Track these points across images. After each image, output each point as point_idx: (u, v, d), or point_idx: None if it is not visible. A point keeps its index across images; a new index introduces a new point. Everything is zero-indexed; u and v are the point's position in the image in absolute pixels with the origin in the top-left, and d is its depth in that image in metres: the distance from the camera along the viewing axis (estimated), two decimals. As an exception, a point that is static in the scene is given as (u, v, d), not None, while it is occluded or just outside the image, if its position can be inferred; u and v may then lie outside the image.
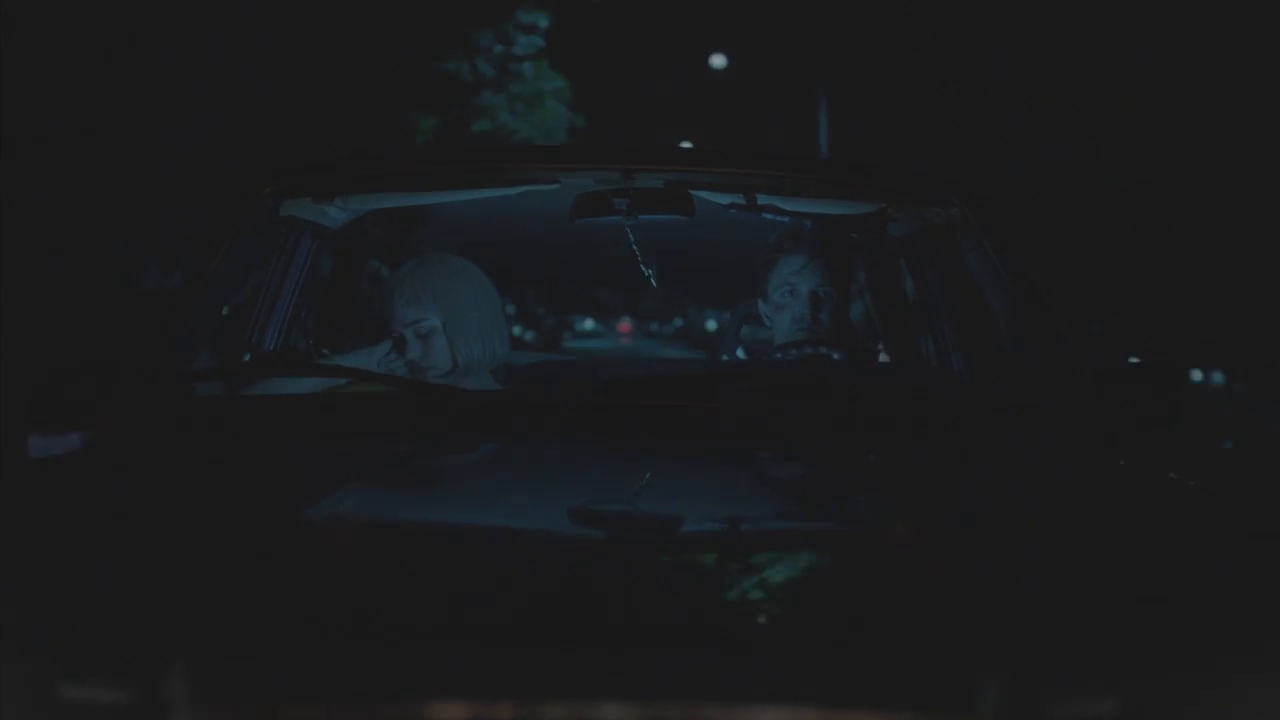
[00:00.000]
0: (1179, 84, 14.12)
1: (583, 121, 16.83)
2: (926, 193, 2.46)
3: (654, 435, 1.91)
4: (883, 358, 2.79)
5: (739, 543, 1.48)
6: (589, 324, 36.37)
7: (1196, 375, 15.78)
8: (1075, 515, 1.66)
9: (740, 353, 2.81)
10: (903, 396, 2.16)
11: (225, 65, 11.15)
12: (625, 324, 39.50)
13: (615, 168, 2.39)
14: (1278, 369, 14.66)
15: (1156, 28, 14.05)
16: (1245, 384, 16.01)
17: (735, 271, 3.57)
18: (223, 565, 1.28)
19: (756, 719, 1.03)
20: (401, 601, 1.18)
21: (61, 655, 1.09)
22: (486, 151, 2.46)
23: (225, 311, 2.59)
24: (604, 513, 1.56)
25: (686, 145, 23.30)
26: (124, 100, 10.67)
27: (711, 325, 27.26)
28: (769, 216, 2.59)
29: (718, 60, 24.60)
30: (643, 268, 2.53)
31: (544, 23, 15.11)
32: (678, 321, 38.47)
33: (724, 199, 2.51)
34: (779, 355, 2.69)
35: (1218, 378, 16.77)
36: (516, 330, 19.78)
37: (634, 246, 2.50)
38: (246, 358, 2.62)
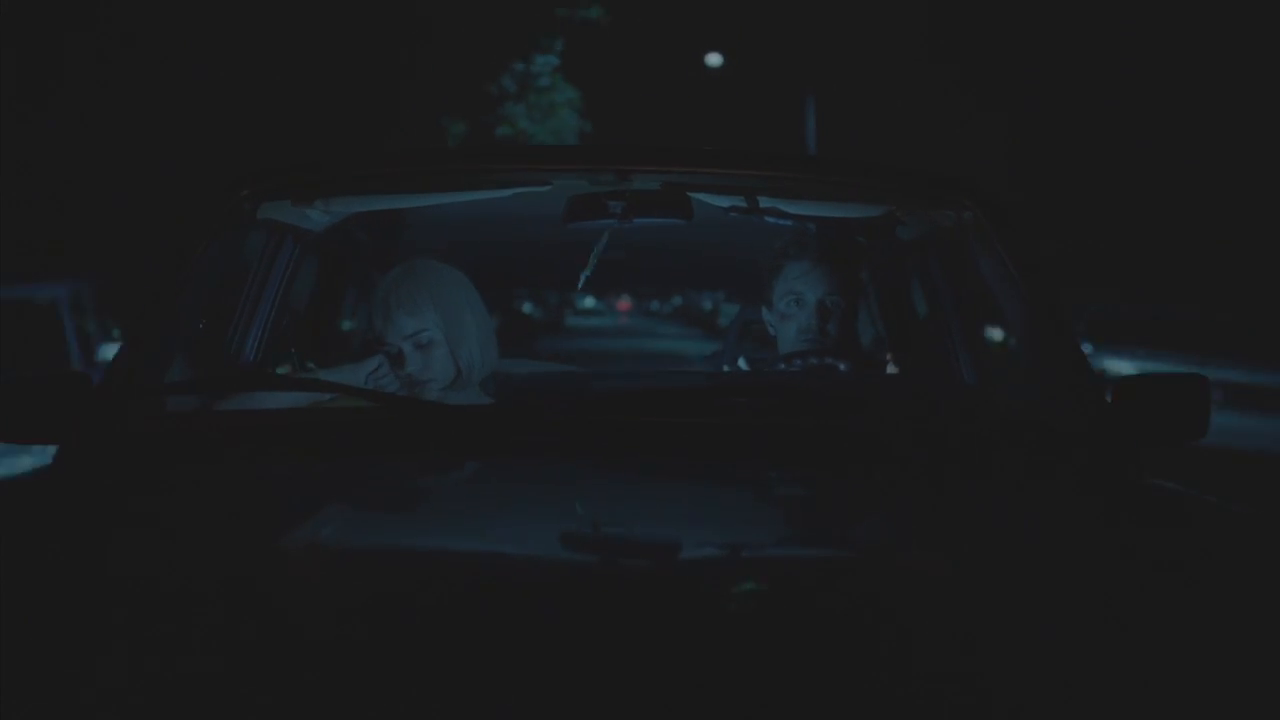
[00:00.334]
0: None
1: (590, 128, 17.92)
2: (937, 194, 2.33)
3: (648, 456, 1.78)
4: (891, 369, 2.66)
5: (737, 582, 1.35)
6: (590, 302, 36.64)
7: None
8: (1093, 558, 1.51)
9: (741, 362, 2.68)
10: (913, 413, 2.03)
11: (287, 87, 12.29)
12: (624, 302, 39.71)
13: (609, 169, 2.27)
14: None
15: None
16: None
17: (732, 266, 3.45)
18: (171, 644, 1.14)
19: None
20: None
21: None
22: (475, 152, 2.31)
23: (201, 321, 2.48)
24: (593, 541, 1.45)
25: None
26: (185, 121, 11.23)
27: (708, 305, 27.39)
28: (772, 220, 2.47)
29: (713, 59, 25.08)
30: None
31: (559, 45, 17.54)
32: (676, 300, 38.52)
33: (724, 201, 2.39)
34: (783, 366, 2.56)
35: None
36: (527, 308, 20.22)
37: (622, 250, 2.39)
38: (212, 370, 2.49)
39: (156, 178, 11.10)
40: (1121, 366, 9.74)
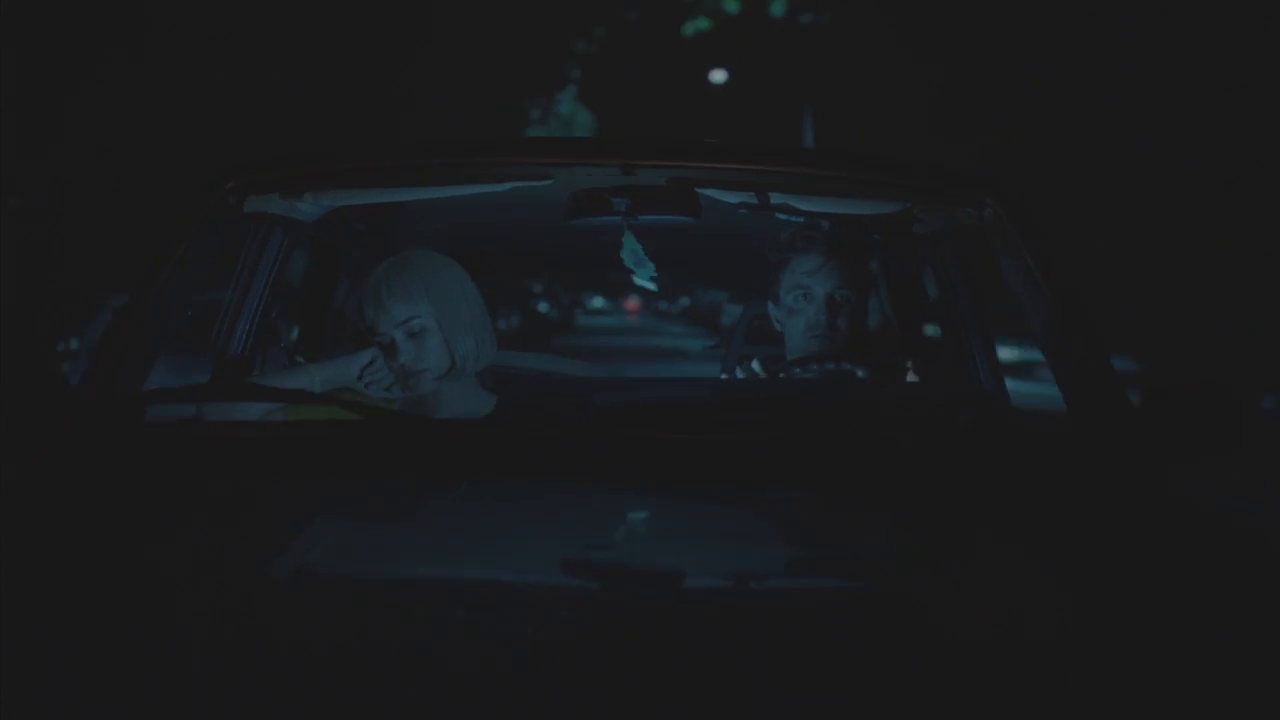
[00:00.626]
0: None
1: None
2: (958, 191, 2.22)
3: (650, 473, 1.68)
4: (910, 376, 2.55)
5: (746, 617, 1.27)
6: (599, 302, 37.66)
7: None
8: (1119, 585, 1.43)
9: (756, 364, 2.57)
10: (931, 424, 1.93)
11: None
12: (633, 302, 40.35)
13: (613, 162, 2.16)
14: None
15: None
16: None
17: (742, 264, 3.35)
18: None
19: None
20: None
21: None
22: (470, 144, 2.18)
23: (189, 312, 2.38)
24: (592, 566, 1.37)
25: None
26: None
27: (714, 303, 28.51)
28: (783, 217, 2.36)
29: (718, 75, 26.38)
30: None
31: (576, 75, 21.32)
32: (684, 300, 38.94)
33: (733, 198, 2.27)
34: (797, 371, 2.45)
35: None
36: (543, 307, 21.53)
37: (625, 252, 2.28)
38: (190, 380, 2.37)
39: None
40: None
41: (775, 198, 2.28)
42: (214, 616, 1.19)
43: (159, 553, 1.40)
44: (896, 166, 2.27)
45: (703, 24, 18.93)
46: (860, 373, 2.39)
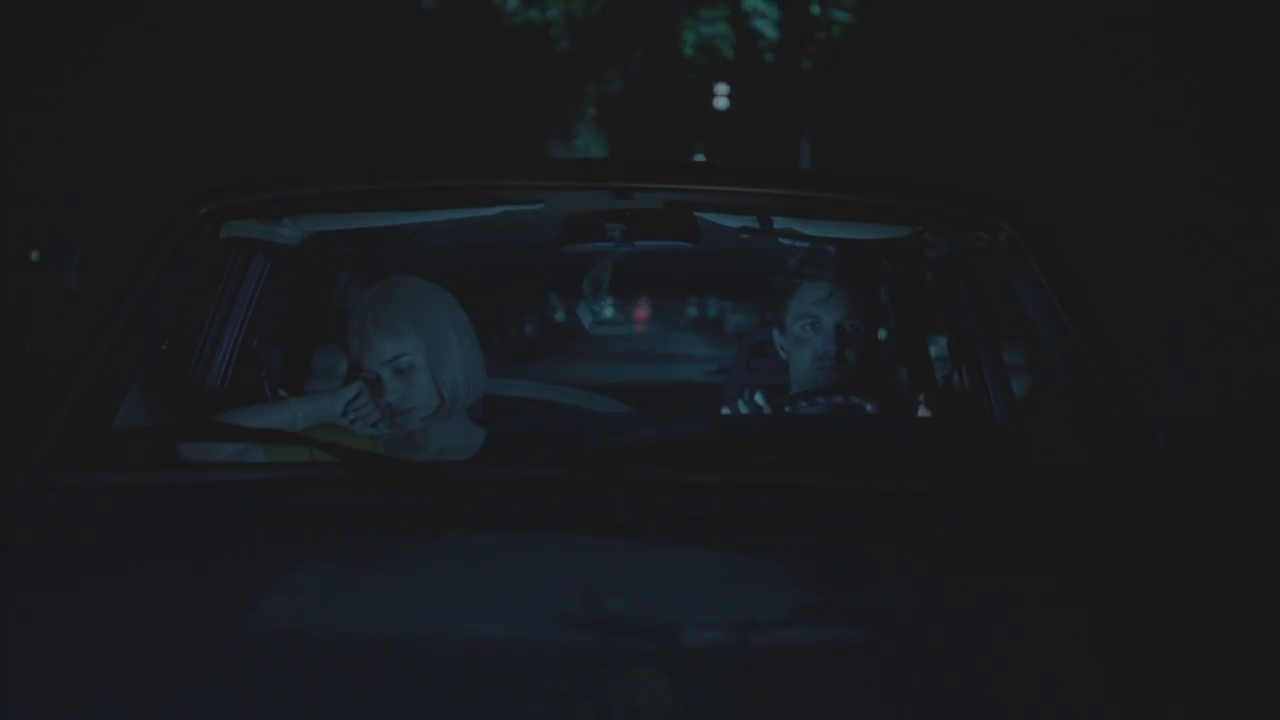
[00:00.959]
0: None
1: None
2: (970, 214, 2.12)
3: (652, 522, 1.57)
4: (921, 411, 2.45)
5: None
6: (609, 312, 39.39)
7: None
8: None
9: (759, 398, 2.46)
10: (950, 474, 1.82)
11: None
12: (642, 311, 41.23)
13: (608, 186, 2.06)
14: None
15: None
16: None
17: (748, 283, 3.26)
18: None
19: None
20: None
21: None
22: (459, 167, 2.08)
23: (164, 344, 2.27)
24: (590, 620, 1.30)
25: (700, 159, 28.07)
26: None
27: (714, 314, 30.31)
28: (786, 243, 2.26)
29: (720, 102, 27.69)
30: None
31: (591, 111, 23.69)
32: (691, 311, 40.05)
33: (734, 222, 2.17)
34: (803, 405, 2.35)
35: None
36: (560, 316, 23.66)
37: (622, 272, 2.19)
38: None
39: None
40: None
41: (779, 222, 2.18)
42: (182, 670, 1.15)
43: (121, 603, 1.32)
44: (903, 188, 2.17)
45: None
46: (869, 407, 2.29)
